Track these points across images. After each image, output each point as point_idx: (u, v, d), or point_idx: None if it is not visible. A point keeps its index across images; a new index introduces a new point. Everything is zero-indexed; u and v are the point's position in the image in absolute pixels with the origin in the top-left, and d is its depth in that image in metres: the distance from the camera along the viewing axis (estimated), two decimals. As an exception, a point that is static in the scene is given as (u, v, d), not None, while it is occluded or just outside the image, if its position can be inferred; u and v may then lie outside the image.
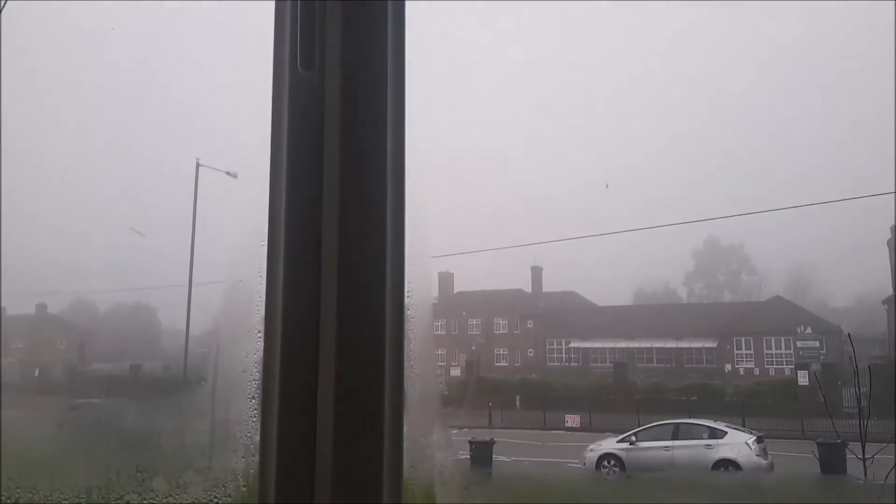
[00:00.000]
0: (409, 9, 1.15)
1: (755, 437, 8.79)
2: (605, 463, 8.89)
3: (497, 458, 8.13)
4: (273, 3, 1.11)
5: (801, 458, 7.71)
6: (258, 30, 1.12)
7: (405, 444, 1.05)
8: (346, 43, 1.07)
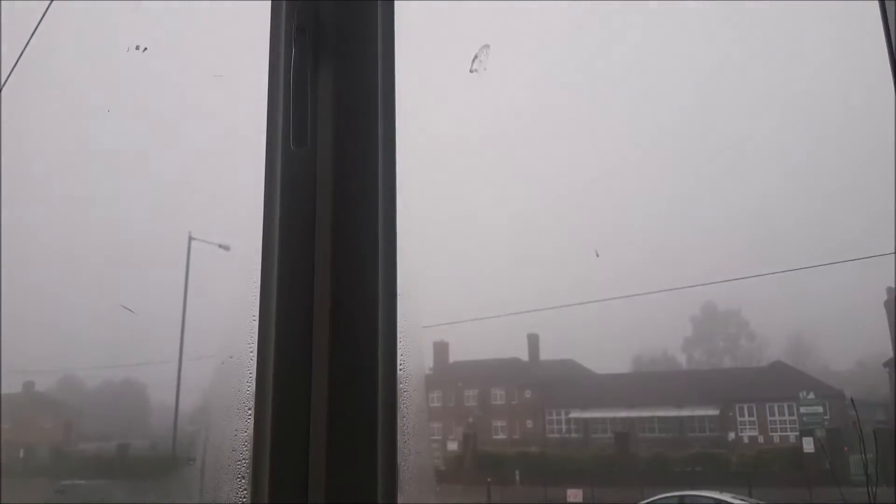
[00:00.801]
0: (400, 84, 1.18)
1: (763, 509, 8.56)
2: (611, 540, 8.60)
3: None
4: (266, 83, 1.14)
5: (810, 530, 7.47)
6: (251, 109, 1.14)
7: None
8: (337, 120, 1.09)
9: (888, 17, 1.36)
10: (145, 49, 1.19)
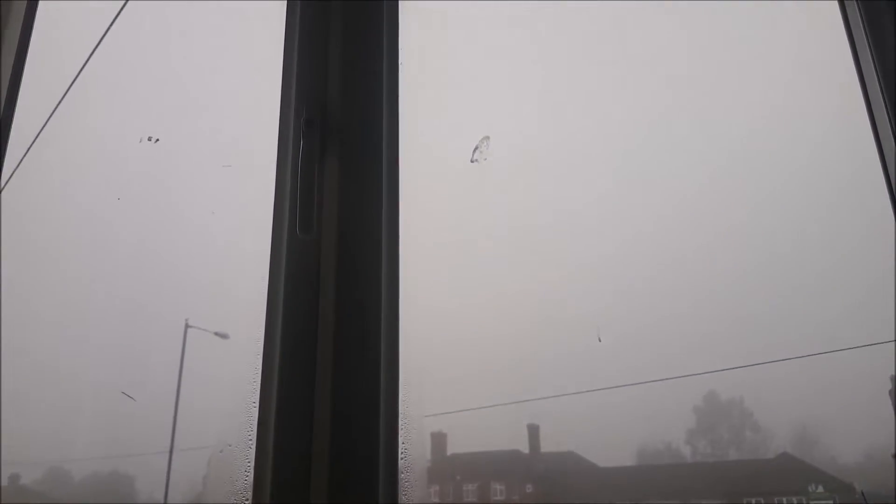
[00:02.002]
0: (404, 171, 1.22)
1: None
2: None
3: None
4: (274, 172, 1.17)
5: None
6: (258, 197, 1.17)
7: None
8: (342, 207, 1.12)
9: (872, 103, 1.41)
10: (157, 140, 1.23)
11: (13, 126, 1.16)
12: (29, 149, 1.32)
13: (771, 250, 1.39)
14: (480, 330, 1.23)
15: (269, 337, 1.11)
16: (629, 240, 1.31)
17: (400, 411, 1.08)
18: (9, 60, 1.03)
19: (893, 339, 1.42)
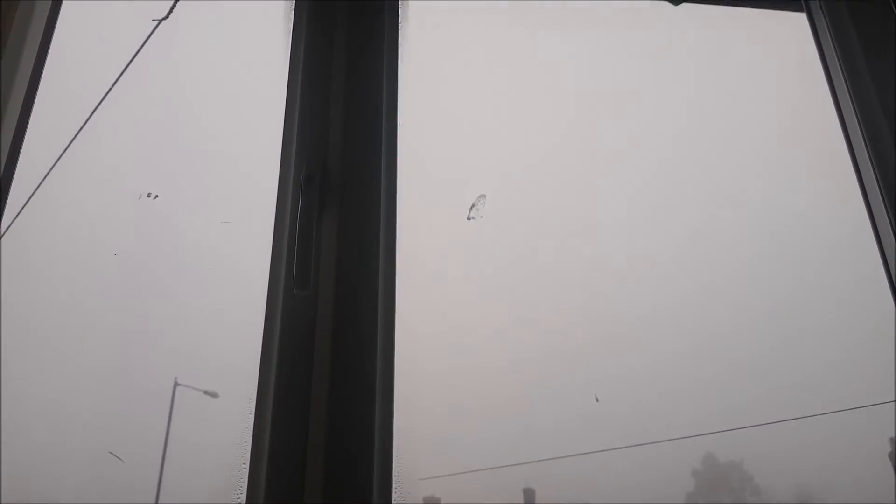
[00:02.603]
0: (402, 227, 1.22)
1: None
2: None
3: None
4: (272, 229, 1.18)
5: None
6: (255, 253, 1.17)
7: None
8: (340, 264, 1.12)
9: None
10: (156, 196, 1.24)
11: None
12: (24, 207, 1.33)
13: (769, 309, 1.39)
14: (476, 391, 1.21)
15: (261, 395, 1.09)
16: (623, 299, 1.31)
17: (394, 474, 1.06)
18: (11, 120, 1.04)
19: (893, 399, 1.41)
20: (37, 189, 1.39)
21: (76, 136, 1.48)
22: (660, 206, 1.44)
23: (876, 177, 1.47)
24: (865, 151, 1.49)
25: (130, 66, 1.54)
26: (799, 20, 1.71)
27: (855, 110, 1.53)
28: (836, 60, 1.59)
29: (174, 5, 1.58)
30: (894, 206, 1.44)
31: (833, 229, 1.51)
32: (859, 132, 1.51)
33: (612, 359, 1.26)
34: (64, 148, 1.47)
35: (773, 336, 1.35)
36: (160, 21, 1.58)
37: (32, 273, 1.24)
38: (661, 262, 1.36)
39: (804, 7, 1.70)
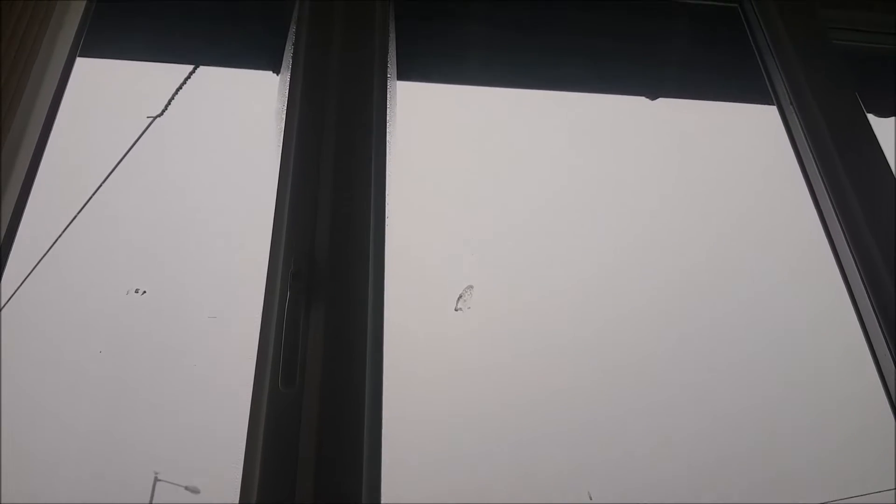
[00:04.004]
0: (389, 321, 1.23)
1: None
2: None
3: None
4: (258, 324, 1.18)
5: None
6: (241, 349, 1.17)
7: None
8: (326, 362, 1.12)
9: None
10: (144, 292, 1.25)
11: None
12: (9, 300, 1.33)
13: (767, 394, 1.39)
14: (462, 490, 1.19)
15: (244, 492, 1.06)
16: (617, 394, 1.31)
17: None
18: (8, 210, 1.06)
19: (893, 487, 1.40)
20: (24, 281, 1.39)
21: (66, 228, 1.50)
22: (655, 304, 1.46)
23: (855, 262, 1.50)
24: (844, 239, 1.53)
25: (123, 160, 1.58)
26: (771, 113, 1.79)
27: (829, 195, 1.58)
28: (808, 150, 1.65)
29: (169, 103, 1.64)
30: (874, 289, 1.47)
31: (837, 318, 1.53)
32: (836, 220, 1.56)
33: (608, 457, 1.25)
34: (54, 240, 1.48)
35: (772, 421, 1.34)
36: (154, 118, 1.63)
37: (15, 367, 1.23)
38: (658, 361, 1.37)
39: (774, 101, 1.78)
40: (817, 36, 1.80)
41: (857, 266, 1.48)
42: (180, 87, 1.64)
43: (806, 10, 1.85)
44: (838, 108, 1.68)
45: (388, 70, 1.53)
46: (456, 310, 1.35)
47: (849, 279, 1.51)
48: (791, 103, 1.70)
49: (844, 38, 1.90)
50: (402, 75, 1.68)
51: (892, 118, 1.87)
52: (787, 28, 1.79)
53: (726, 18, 1.92)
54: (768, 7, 1.83)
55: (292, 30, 1.59)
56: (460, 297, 1.36)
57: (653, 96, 1.85)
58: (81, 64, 1.39)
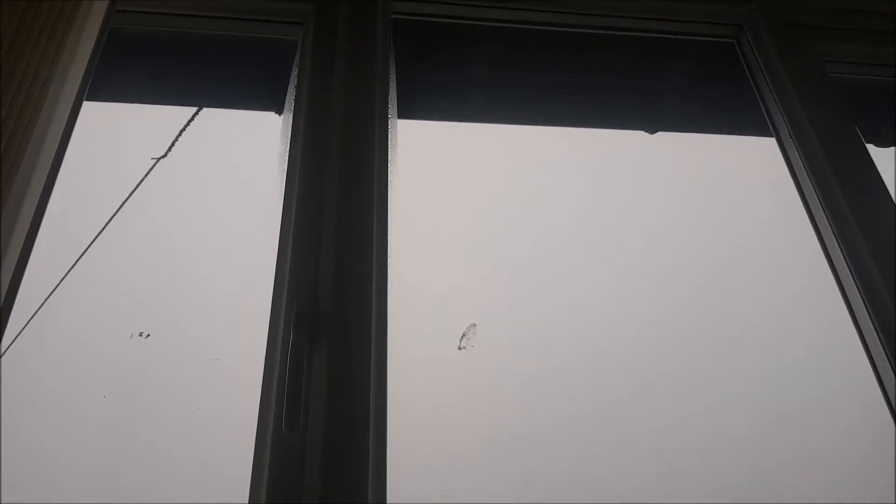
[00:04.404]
0: (393, 363, 1.22)
1: None
2: None
3: None
4: (262, 366, 1.17)
5: None
6: (244, 391, 1.16)
7: None
8: (330, 404, 1.11)
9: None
10: (148, 335, 1.24)
11: None
12: (13, 342, 1.32)
13: (770, 452, 1.38)
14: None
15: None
16: (622, 437, 1.30)
17: None
18: (6, 277, 1.06)
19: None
20: (28, 323, 1.39)
21: (70, 270, 1.50)
22: (660, 338, 1.46)
23: (860, 292, 1.50)
24: (847, 269, 1.53)
25: (127, 202, 1.59)
26: (771, 144, 1.80)
27: (831, 225, 1.58)
28: (809, 181, 1.66)
29: (172, 145, 1.65)
30: (879, 317, 1.46)
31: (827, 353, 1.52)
32: (839, 250, 1.56)
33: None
34: (57, 283, 1.48)
35: (771, 473, 1.32)
36: (158, 160, 1.64)
37: (16, 413, 1.22)
38: (663, 397, 1.36)
39: (773, 133, 1.79)
40: (813, 69, 1.82)
41: (861, 295, 1.48)
42: (184, 129, 1.66)
43: (801, 43, 1.87)
44: (837, 140, 1.69)
45: (389, 109, 1.55)
46: (459, 348, 1.34)
47: (853, 308, 1.51)
48: (790, 136, 1.71)
49: (841, 70, 1.92)
50: (403, 113, 1.69)
51: (892, 148, 1.88)
52: (783, 62, 1.81)
53: (723, 52, 1.94)
54: (764, 42, 1.86)
55: (294, 72, 1.61)
56: (464, 335, 1.35)
57: (652, 130, 1.86)
58: (86, 107, 1.41)
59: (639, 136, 1.86)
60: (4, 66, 1.17)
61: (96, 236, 1.54)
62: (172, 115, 1.69)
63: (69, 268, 1.50)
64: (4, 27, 1.23)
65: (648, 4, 1.89)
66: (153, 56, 1.72)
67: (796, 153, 1.69)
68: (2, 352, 1.23)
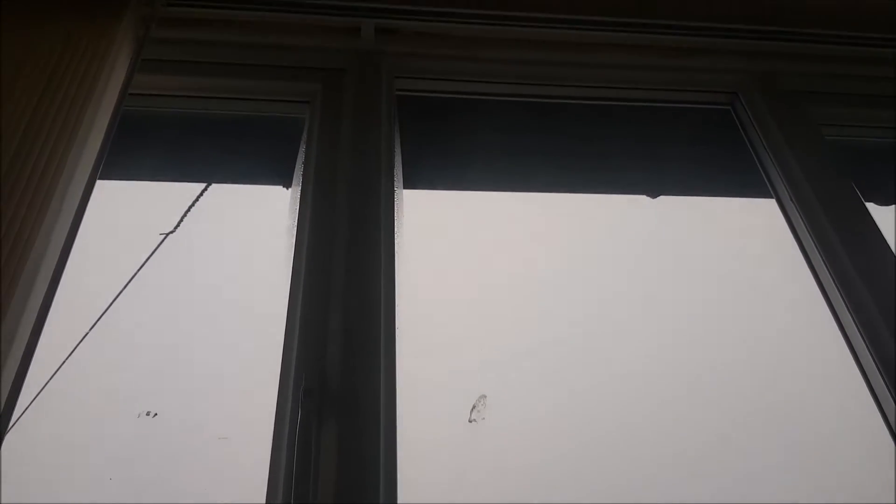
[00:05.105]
0: (402, 437, 1.20)
1: None
2: None
3: None
4: (269, 443, 1.16)
5: None
6: (252, 469, 1.15)
7: None
8: (340, 479, 1.09)
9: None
10: (155, 415, 1.23)
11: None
12: (18, 420, 1.31)
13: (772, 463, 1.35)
14: None
15: None
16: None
17: None
18: (17, 355, 1.06)
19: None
20: (32, 401, 1.37)
21: (76, 348, 1.50)
22: (669, 402, 1.44)
23: (872, 357, 1.48)
24: (856, 330, 1.52)
25: (135, 278, 1.60)
26: (771, 205, 1.82)
27: (836, 283, 1.58)
28: (811, 240, 1.67)
29: (181, 220, 1.68)
30: (889, 375, 1.44)
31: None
32: (845, 308, 1.55)
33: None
34: (62, 361, 1.48)
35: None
36: (167, 235, 1.66)
37: (21, 494, 1.20)
38: (668, 468, 1.33)
39: (773, 195, 1.81)
40: (810, 133, 1.86)
41: (869, 352, 1.47)
42: (192, 205, 1.69)
43: (796, 108, 1.91)
44: (837, 200, 1.71)
45: (395, 182, 1.57)
46: (470, 421, 1.33)
47: (864, 366, 1.50)
48: (790, 198, 1.73)
49: (839, 133, 1.96)
50: (409, 184, 1.72)
51: (893, 206, 1.90)
52: (779, 127, 1.85)
53: (720, 118, 1.99)
54: (759, 108, 1.90)
55: (302, 147, 1.65)
56: (474, 407, 1.34)
57: (654, 195, 1.89)
58: (97, 185, 1.43)
59: (641, 200, 1.88)
60: (20, 150, 1.20)
61: (102, 314, 1.54)
62: (182, 191, 1.72)
63: (75, 346, 1.50)
64: (21, 111, 1.27)
65: (643, 75, 1.94)
66: (164, 135, 1.77)
67: (797, 213, 1.71)
68: (6, 431, 1.22)
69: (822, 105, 1.96)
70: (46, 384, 1.42)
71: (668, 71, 1.95)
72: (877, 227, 1.69)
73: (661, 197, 1.88)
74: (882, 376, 1.44)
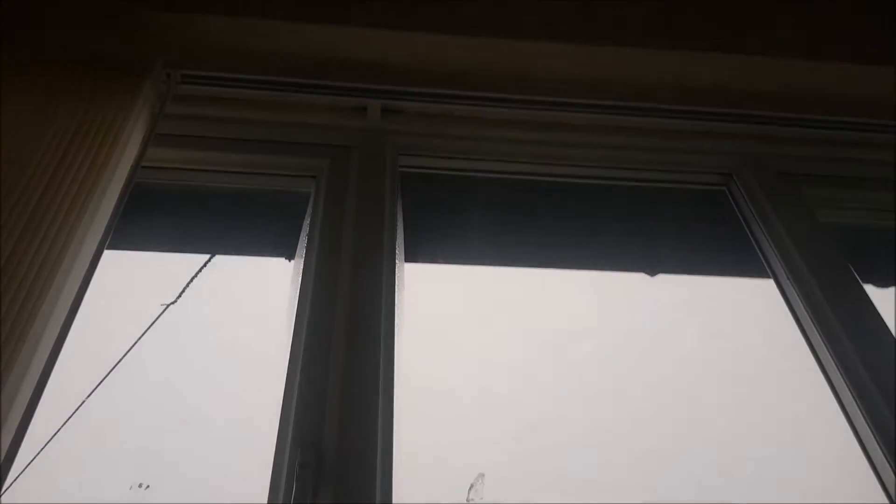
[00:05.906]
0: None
1: None
2: None
3: None
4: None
5: None
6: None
7: None
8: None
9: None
10: (147, 486, 1.21)
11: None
12: (8, 488, 1.29)
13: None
14: None
15: None
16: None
17: None
18: (15, 419, 1.06)
19: None
20: (23, 471, 1.35)
21: (69, 418, 1.48)
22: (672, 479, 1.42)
23: (870, 428, 1.46)
24: (857, 409, 1.50)
25: (133, 349, 1.60)
26: (769, 285, 1.83)
27: (837, 365, 1.57)
28: (809, 320, 1.67)
29: (183, 291, 1.69)
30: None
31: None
32: (846, 389, 1.54)
33: None
34: (55, 431, 1.46)
35: None
36: (168, 305, 1.67)
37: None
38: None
39: (770, 275, 1.82)
40: (805, 215, 1.88)
41: (872, 432, 1.45)
42: (195, 276, 1.70)
43: (791, 191, 1.95)
44: (835, 282, 1.72)
45: (397, 255, 1.60)
46: (468, 501, 1.30)
47: (866, 447, 1.47)
48: (788, 278, 1.74)
49: (836, 215, 1.98)
50: (409, 258, 1.75)
51: (892, 288, 1.91)
52: (775, 209, 1.88)
53: (717, 199, 2.02)
54: (754, 191, 1.94)
55: (307, 220, 1.68)
56: (472, 486, 1.31)
57: (652, 273, 1.90)
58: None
59: (640, 278, 1.89)
60: (31, 223, 1.23)
61: (98, 384, 1.53)
62: (185, 262, 1.74)
63: (69, 416, 1.49)
64: (35, 185, 1.31)
65: (638, 156, 1.99)
66: (169, 207, 1.80)
67: (795, 294, 1.72)
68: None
69: (818, 187, 1.99)
70: (37, 454, 1.40)
71: (663, 152, 2.00)
72: (874, 308, 1.69)
73: (660, 275, 1.90)
74: (885, 457, 1.42)
